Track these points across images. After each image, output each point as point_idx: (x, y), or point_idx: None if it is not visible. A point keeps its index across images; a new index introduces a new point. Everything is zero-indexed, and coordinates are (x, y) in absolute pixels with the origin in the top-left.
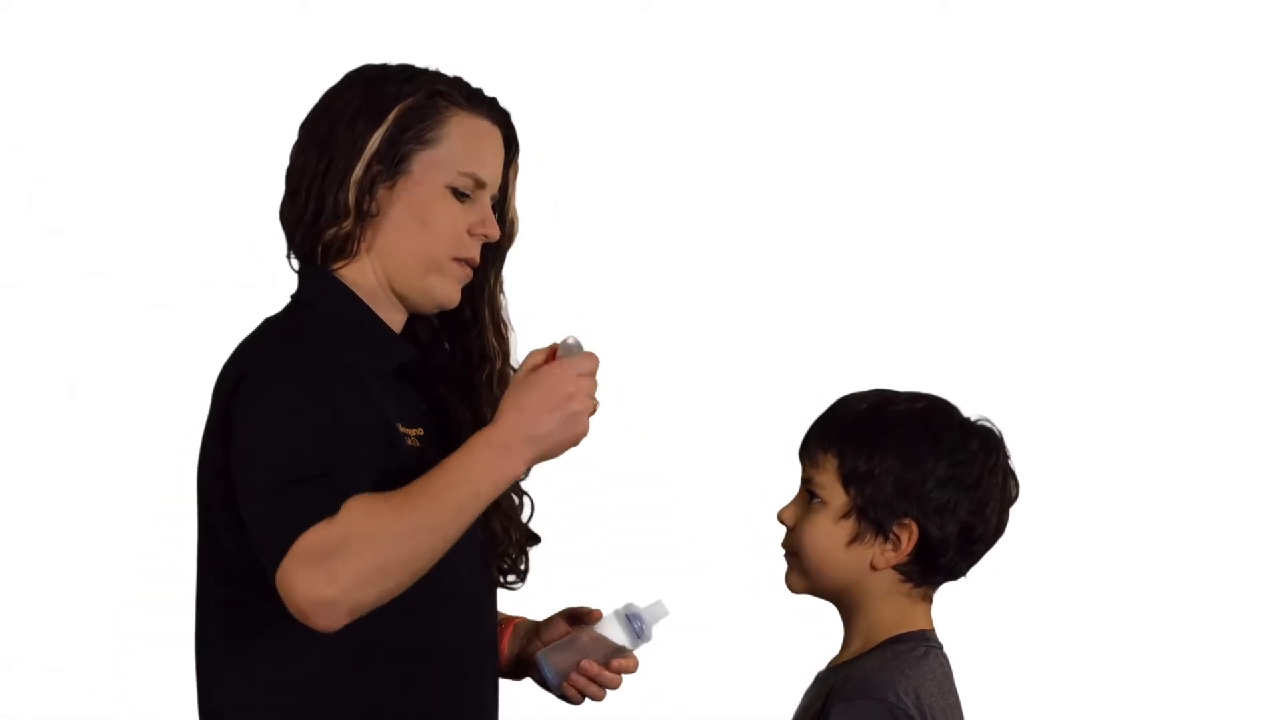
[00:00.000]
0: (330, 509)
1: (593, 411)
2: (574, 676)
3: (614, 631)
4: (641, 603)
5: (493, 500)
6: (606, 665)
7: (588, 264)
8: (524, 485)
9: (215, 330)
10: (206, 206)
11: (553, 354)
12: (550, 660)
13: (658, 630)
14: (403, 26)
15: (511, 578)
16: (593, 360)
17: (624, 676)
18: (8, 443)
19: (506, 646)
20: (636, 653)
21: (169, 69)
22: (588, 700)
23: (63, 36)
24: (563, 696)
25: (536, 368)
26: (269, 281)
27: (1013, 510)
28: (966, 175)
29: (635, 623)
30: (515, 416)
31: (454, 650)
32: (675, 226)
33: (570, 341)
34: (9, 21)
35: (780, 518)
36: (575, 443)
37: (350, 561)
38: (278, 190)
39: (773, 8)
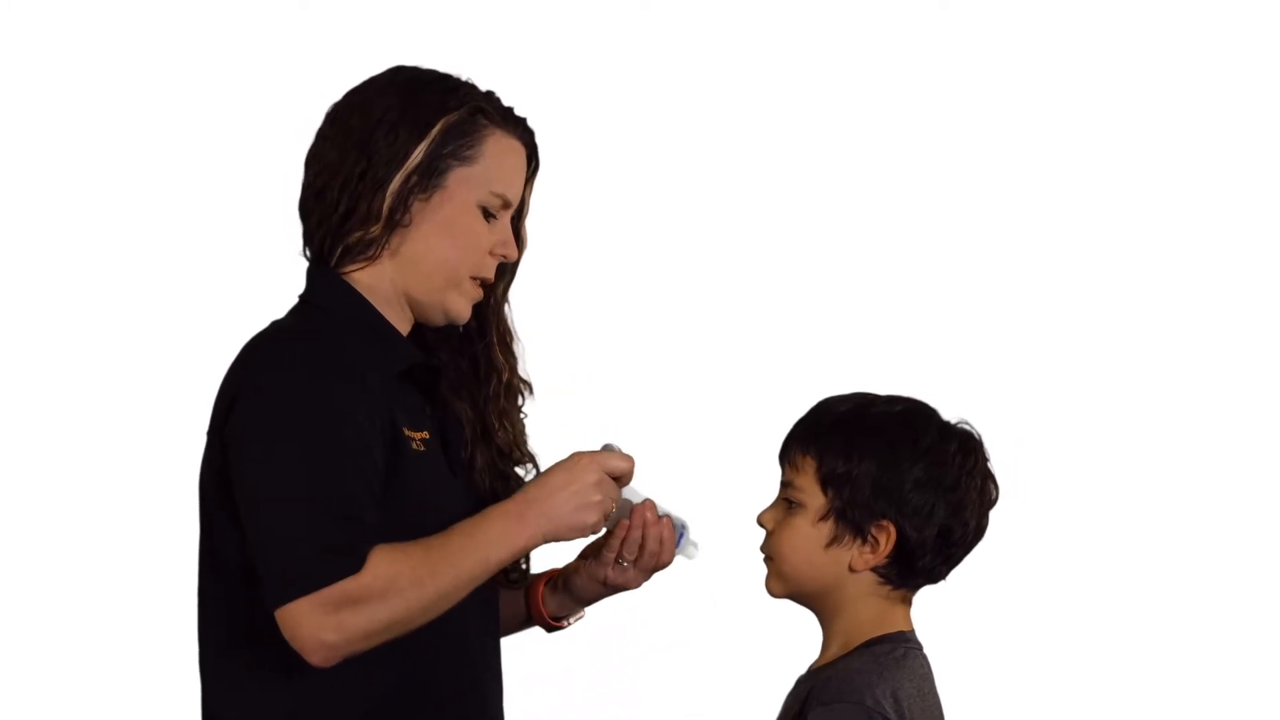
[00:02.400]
0: (356, 563)
1: (605, 511)
2: (646, 512)
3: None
4: (693, 533)
5: (504, 566)
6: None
7: (567, 268)
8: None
9: (222, 328)
10: (214, 203)
11: None
12: None
13: (676, 564)
14: (401, 27)
15: (514, 576)
16: (627, 462)
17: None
18: (12, 444)
19: (542, 600)
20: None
21: (171, 70)
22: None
23: (63, 37)
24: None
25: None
26: (275, 277)
27: (993, 513)
28: (961, 177)
29: (680, 533)
30: (535, 490)
31: (457, 657)
32: (660, 230)
33: (613, 446)
34: (8, 22)
35: (760, 521)
36: (583, 532)
37: (362, 617)
38: (282, 187)
39: (772, 8)
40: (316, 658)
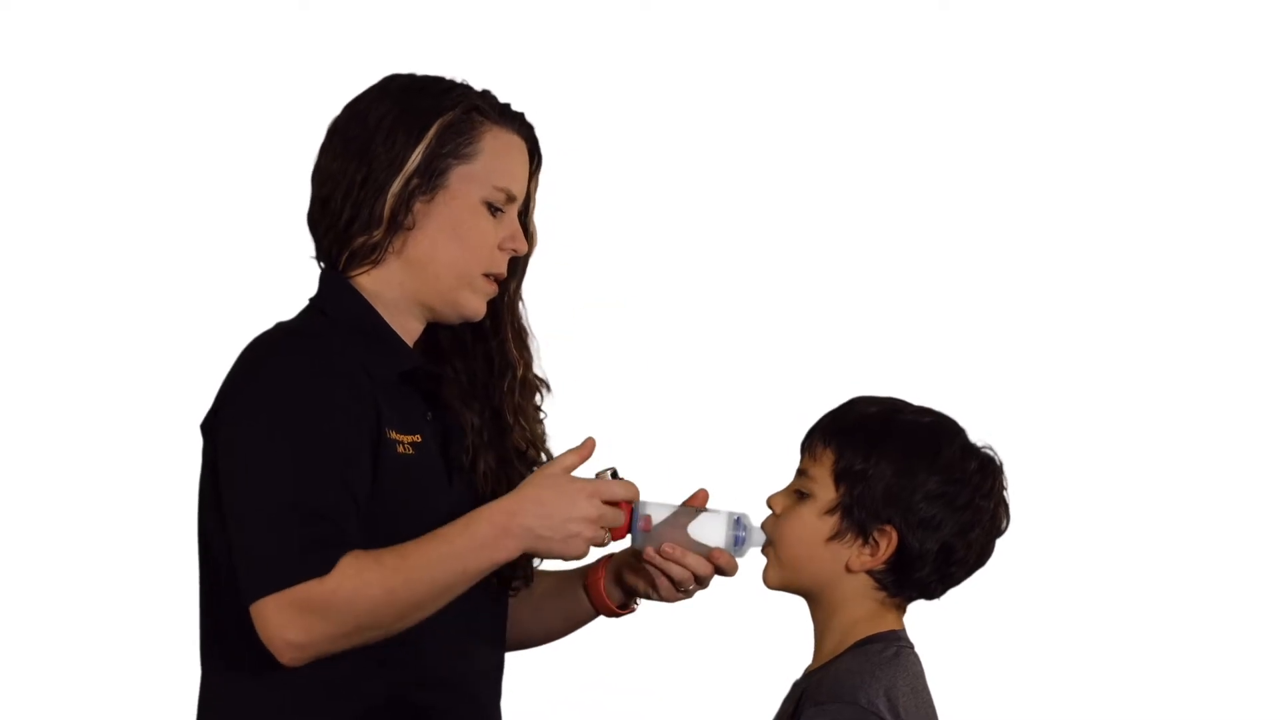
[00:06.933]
0: (324, 565)
1: (597, 543)
2: (649, 552)
3: (713, 529)
4: (757, 521)
5: (482, 577)
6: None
7: (587, 266)
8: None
9: (232, 329)
10: (223, 204)
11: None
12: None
13: (752, 556)
14: (401, 28)
15: (516, 583)
16: (630, 490)
17: (695, 588)
18: (20, 443)
19: (605, 593)
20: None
21: (171, 70)
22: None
23: (67, 37)
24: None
25: (569, 469)
26: (288, 281)
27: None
28: (969, 178)
29: (739, 530)
30: (528, 506)
31: (452, 672)
32: (674, 229)
33: (617, 472)
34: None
35: (769, 503)
36: (566, 559)
37: (329, 621)
38: (286, 187)
39: (772, 7)
40: (284, 657)
